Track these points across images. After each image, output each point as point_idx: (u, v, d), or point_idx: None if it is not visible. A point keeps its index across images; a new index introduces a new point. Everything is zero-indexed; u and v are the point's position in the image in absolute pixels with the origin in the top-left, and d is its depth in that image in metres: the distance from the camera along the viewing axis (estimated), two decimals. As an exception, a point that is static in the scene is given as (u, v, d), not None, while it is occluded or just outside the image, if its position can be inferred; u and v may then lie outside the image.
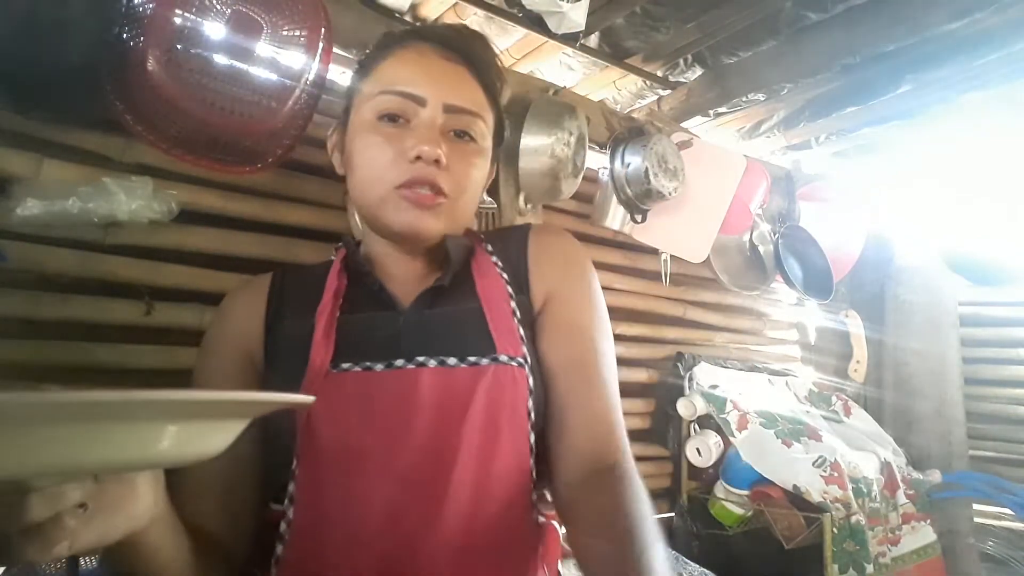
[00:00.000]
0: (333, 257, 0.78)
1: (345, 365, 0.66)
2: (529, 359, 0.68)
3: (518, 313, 0.71)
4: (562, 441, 0.67)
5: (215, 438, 0.38)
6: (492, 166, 0.79)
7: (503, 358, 0.66)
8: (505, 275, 0.75)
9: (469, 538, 0.59)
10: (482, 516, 0.60)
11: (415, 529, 0.59)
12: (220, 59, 0.86)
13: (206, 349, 0.75)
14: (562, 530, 0.70)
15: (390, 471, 0.60)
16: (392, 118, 0.69)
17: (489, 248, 0.78)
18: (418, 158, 0.66)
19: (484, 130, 0.73)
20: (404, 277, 0.74)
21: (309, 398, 0.43)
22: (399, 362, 0.66)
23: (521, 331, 0.69)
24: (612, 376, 0.72)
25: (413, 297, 0.72)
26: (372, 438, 0.62)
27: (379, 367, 0.66)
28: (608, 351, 0.73)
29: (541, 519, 0.68)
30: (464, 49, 0.73)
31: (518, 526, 0.63)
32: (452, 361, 0.65)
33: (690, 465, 1.63)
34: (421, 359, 0.66)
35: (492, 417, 0.63)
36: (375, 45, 0.77)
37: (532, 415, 0.66)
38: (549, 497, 0.69)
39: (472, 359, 0.66)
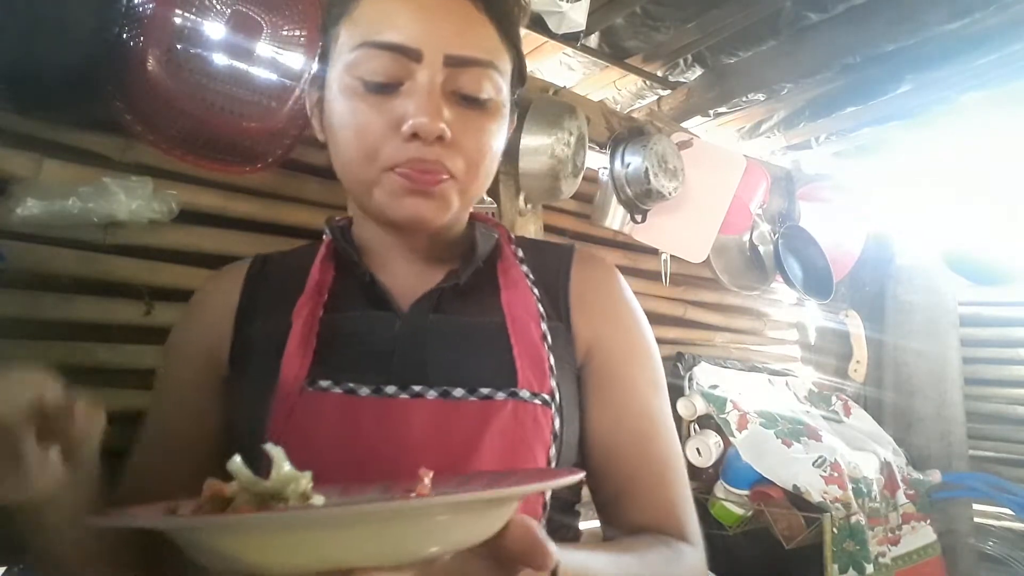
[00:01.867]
0: (327, 236, 0.65)
1: (324, 384, 0.54)
2: (557, 396, 0.56)
3: (549, 339, 0.58)
4: (623, 516, 0.59)
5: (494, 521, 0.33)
6: (511, 121, 0.63)
7: (524, 393, 0.53)
8: (536, 291, 0.61)
9: None
10: None
11: None
12: (220, 59, 0.86)
13: (170, 346, 0.65)
14: None
15: None
16: (379, 83, 0.53)
17: (520, 254, 0.65)
18: (415, 135, 0.52)
19: (500, 83, 0.56)
20: (404, 269, 0.62)
21: (573, 478, 0.37)
22: (390, 389, 0.54)
23: (552, 361, 0.56)
24: (676, 447, 0.62)
25: (414, 295, 0.59)
26: (351, 480, 0.49)
27: (365, 391, 0.54)
28: (667, 413, 0.64)
29: None
30: None
31: None
32: (458, 392, 0.53)
33: (690, 465, 1.62)
34: (418, 388, 0.54)
35: (504, 468, 0.51)
36: None
37: (553, 464, 0.54)
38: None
39: (485, 391, 0.53)
